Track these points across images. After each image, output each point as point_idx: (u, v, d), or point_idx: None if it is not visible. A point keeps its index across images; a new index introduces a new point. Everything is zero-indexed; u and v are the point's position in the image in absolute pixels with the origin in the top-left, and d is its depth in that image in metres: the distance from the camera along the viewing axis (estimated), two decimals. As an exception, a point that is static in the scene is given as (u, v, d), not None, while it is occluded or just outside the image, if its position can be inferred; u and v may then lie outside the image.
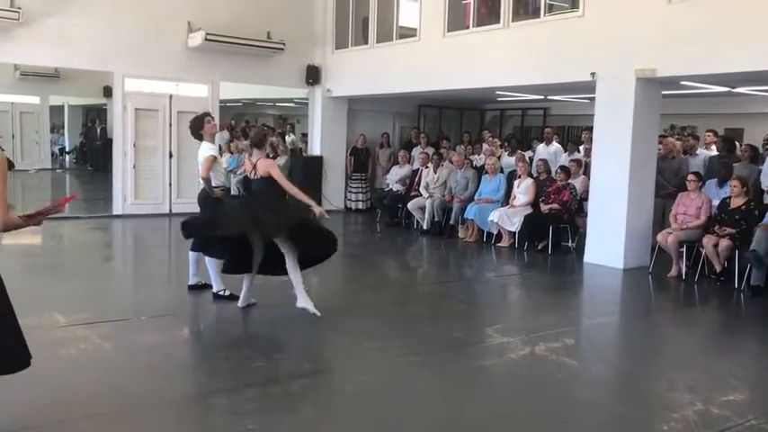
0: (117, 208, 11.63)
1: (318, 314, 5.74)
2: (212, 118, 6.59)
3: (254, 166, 5.76)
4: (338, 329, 5.74)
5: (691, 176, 8.21)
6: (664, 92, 8.72)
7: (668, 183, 9.09)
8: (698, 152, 9.73)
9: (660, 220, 8.90)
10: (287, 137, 16.88)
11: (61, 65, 13.17)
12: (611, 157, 8.49)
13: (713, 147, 9.94)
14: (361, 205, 13.68)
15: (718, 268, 7.61)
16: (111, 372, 4.54)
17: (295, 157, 14.51)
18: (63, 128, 24.58)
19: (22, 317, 5.01)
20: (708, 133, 10.36)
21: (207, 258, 6.25)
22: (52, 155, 22.24)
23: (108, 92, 15.67)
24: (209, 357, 5.07)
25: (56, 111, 22.16)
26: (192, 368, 4.80)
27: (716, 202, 8.00)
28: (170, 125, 11.92)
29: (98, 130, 20.53)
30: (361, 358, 4.96)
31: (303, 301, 5.78)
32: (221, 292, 6.31)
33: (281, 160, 14.13)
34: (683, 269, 7.94)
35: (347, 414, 4.03)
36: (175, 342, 5.35)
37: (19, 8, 10.04)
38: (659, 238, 8.09)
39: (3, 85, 17.98)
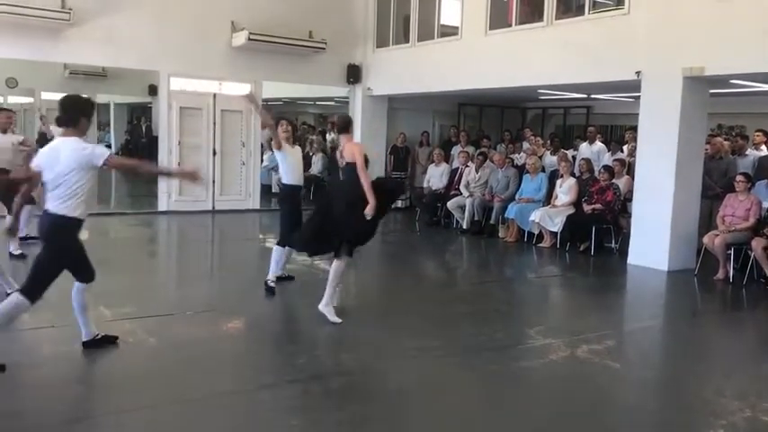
0: (162, 204, 11.85)
1: (339, 321, 5.56)
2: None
3: (341, 152, 5.62)
4: (379, 328, 5.76)
5: (739, 177, 8.01)
6: (710, 90, 8.53)
7: (715, 184, 8.89)
8: (747, 153, 9.49)
9: (707, 222, 8.70)
10: (327, 135, 17.00)
11: (109, 64, 13.47)
12: (657, 157, 8.33)
13: (762, 147, 9.68)
14: (400, 204, 13.66)
15: (767, 272, 7.42)
16: (156, 366, 4.64)
17: (335, 155, 14.58)
18: (109, 126, 25.16)
19: (70, 312, 5.17)
20: (757, 133, 10.08)
21: (275, 247, 6.46)
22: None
23: (153, 90, 16.00)
24: (252, 353, 5.14)
25: (102, 109, 22.66)
26: (236, 363, 4.87)
27: (766, 204, 7.79)
28: (214, 123, 12.12)
29: (143, 128, 20.95)
30: (402, 357, 4.97)
31: (324, 306, 5.62)
32: (270, 282, 6.44)
33: (317, 158, 14.33)
34: (731, 272, 7.75)
35: (388, 414, 4.04)
36: (219, 337, 5.43)
37: (70, 9, 10.31)
38: (706, 240, 7.92)
39: (53, 84, 18.43)
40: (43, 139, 15.08)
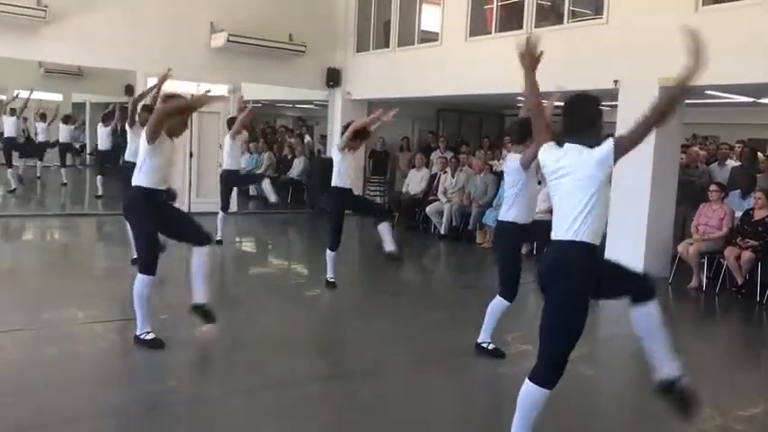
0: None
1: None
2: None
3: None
4: (356, 333, 5.73)
5: (713, 187, 8.12)
6: (686, 100, 8.63)
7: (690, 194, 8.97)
8: (726, 162, 9.62)
9: (681, 231, 8.80)
10: (305, 138, 16.98)
11: (85, 63, 13.33)
12: (633, 166, 8.36)
13: (734, 157, 9.85)
14: (378, 208, 13.65)
15: (739, 280, 7.51)
16: (126, 370, 4.56)
17: (313, 159, 14.57)
18: (84, 125, 24.83)
19: (42, 312, 5.07)
20: (738, 144, 10.27)
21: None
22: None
23: (129, 90, 15.84)
24: (226, 358, 5.07)
25: (78, 108, 22.39)
26: (208, 368, 4.81)
27: (739, 214, 7.90)
28: (191, 125, 11.98)
29: (118, 129, 20.68)
30: (379, 362, 4.94)
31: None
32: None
33: (299, 161, 14.28)
34: (704, 280, 7.84)
35: (362, 420, 4.01)
36: (192, 341, 5.36)
37: (45, 6, 10.16)
38: (680, 248, 8.00)
39: (27, 82, 18.18)
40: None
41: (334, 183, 6.77)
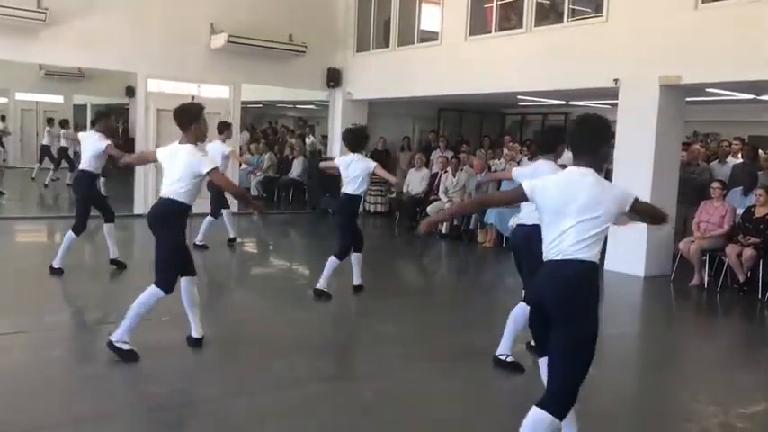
0: (138, 208, 11.71)
1: None
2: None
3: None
4: (359, 334, 5.74)
5: (715, 184, 8.12)
6: (687, 98, 8.63)
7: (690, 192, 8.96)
8: (727, 160, 9.60)
9: (682, 229, 8.80)
10: (306, 138, 16.98)
11: (86, 65, 13.36)
12: (634, 164, 8.40)
13: (738, 154, 9.81)
14: (380, 208, 13.65)
15: (741, 278, 7.50)
16: (131, 372, 4.56)
17: (314, 159, 14.57)
18: (86, 127, 24.84)
19: (45, 314, 5.08)
20: (735, 141, 10.23)
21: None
22: (74, 154, 22.47)
23: (130, 92, 15.89)
24: (228, 358, 5.07)
25: (79, 110, 22.41)
26: (212, 369, 4.80)
27: (740, 211, 7.89)
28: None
29: (120, 130, 20.74)
30: (381, 363, 4.95)
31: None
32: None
33: (298, 162, 14.30)
34: (706, 278, 7.84)
35: (362, 420, 4.01)
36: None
37: (45, 9, 10.17)
38: (682, 246, 8.00)
39: (28, 85, 18.25)
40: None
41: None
